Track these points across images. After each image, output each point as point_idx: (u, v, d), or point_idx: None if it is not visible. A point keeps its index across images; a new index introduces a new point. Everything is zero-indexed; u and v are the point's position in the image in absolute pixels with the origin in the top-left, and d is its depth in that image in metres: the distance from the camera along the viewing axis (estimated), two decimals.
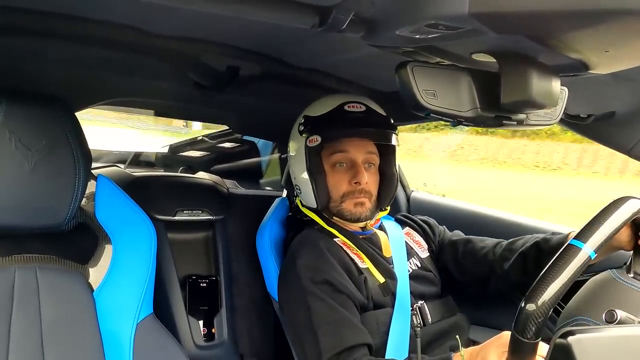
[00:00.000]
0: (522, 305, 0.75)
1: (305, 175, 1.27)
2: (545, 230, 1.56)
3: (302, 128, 1.27)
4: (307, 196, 1.29)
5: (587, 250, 0.78)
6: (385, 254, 1.31)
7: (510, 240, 1.30)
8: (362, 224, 1.31)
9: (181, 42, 1.17)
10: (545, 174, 15.35)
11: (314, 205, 1.28)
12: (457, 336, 0.99)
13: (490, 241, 1.34)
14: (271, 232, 1.39)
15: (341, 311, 1.14)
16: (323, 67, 1.35)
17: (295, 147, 1.31)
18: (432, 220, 1.47)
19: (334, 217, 1.30)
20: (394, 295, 1.22)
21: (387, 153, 1.33)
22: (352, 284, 1.19)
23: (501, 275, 1.27)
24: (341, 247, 1.26)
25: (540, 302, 0.74)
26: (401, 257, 1.31)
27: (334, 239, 1.27)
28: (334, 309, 1.14)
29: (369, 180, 1.27)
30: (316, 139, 1.24)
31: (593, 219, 0.84)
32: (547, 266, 0.77)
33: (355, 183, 1.25)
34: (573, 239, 0.80)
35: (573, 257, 0.77)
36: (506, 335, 0.87)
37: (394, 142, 1.29)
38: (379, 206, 1.32)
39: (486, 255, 1.30)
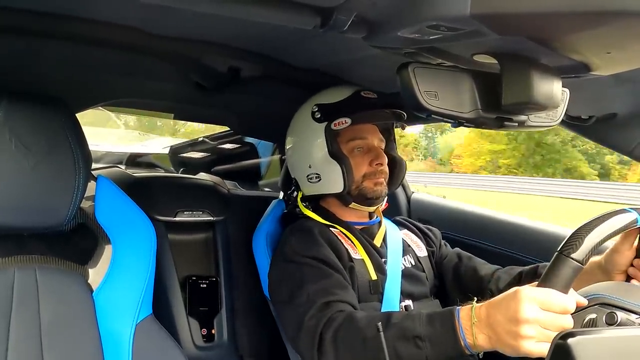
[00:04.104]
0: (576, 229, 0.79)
1: (327, 159, 1.28)
2: (545, 232, 1.57)
3: (319, 115, 1.29)
4: (331, 181, 1.29)
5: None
6: (376, 242, 1.32)
7: (510, 267, 1.31)
8: (373, 208, 1.34)
9: (182, 43, 1.17)
10: None
11: (340, 189, 1.28)
12: (475, 298, 0.93)
13: (490, 265, 1.35)
14: (267, 233, 1.39)
15: (334, 277, 1.14)
16: (324, 67, 1.35)
17: (308, 135, 1.31)
18: (437, 231, 1.48)
19: (353, 203, 1.31)
20: (381, 292, 1.22)
21: (389, 140, 1.39)
22: (342, 268, 1.19)
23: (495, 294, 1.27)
24: (336, 236, 1.27)
25: (596, 226, 0.79)
26: (396, 255, 1.31)
27: (330, 229, 1.28)
28: (326, 275, 1.13)
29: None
30: (344, 122, 1.26)
31: None
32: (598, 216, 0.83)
33: (377, 164, 1.29)
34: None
35: (621, 215, 0.83)
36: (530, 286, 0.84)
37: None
38: (389, 190, 1.36)
39: (485, 276, 1.31)
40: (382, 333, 0.89)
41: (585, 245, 0.78)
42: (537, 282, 0.82)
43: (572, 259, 0.78)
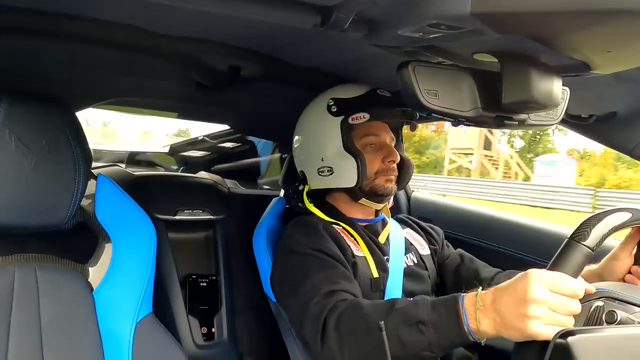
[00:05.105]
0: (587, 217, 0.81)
1: (342, 153, 1.28)
2: (545, 231, 1.57)
3: (336, 109, 1.29)
4: (344, 175, 1.29)
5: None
6: (380, 239, 1.32)
7: (510, 270, 1.31)
8: (381, 205, 1.34)
9: (182, 41, 1.17)
10: None
11: (352, 184, 1.28)
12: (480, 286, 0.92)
13: (491, 268, 1.36)
14: (268, 230, 1.39)
15: (339, 268, 1.14)
16: (324, 66, 1.35)
17: (322, 128, 1.31)
18: (439, 230, 1.49)
19: (363, 199, 1.31)
20: (383, 291, 1.22)
21: (397, 140, 1.40)
22: (346, 262, 1.20)
23: None
24: (339, 233, 1.27)
25: (607, 216, 0.81)
26: (399, 253, 1.32)
27: (333, 225, 1.29)
28: (330, 266, 1.14)
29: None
30: (362, 116, 1.26)
31: None
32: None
33: (389, 161, 1.30)
34: None
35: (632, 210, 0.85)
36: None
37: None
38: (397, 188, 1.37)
39: (485, 279, 1.31)
40: (383, 324, 0.89)
41: (596, 232, 0.79)
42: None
43: (583, 244, 0.78)
